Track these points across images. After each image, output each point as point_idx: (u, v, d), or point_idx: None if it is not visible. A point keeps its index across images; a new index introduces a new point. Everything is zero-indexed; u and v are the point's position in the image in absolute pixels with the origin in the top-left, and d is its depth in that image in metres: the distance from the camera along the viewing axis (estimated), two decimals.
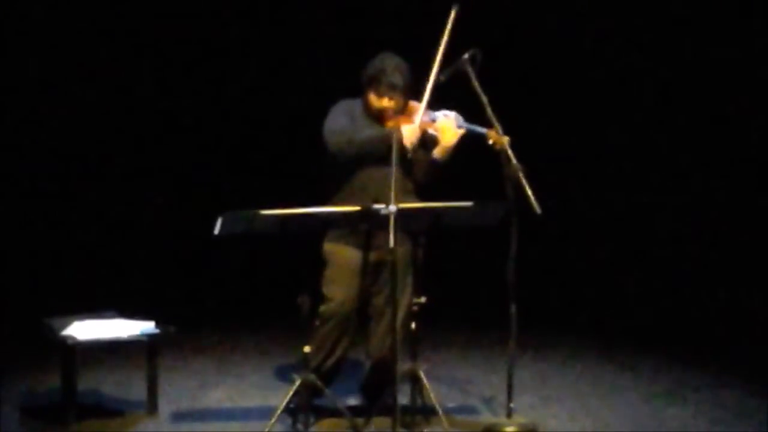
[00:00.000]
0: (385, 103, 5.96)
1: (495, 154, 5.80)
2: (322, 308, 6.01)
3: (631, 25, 8.92)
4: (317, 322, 5.99)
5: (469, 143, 5.95)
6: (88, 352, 6.36)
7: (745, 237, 8.74)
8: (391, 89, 5.93)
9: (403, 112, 5.97)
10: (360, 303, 6.10)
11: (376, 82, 5.95)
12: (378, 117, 5.98)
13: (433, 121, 5.94)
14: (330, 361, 6.08)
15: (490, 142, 5.83)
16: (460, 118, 5.97)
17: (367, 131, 5.92)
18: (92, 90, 8.90)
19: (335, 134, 5.92)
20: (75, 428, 6.04)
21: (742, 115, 8.76)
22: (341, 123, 5.96)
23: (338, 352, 6.09)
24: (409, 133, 5.84)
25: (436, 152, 5.97)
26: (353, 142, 5.89)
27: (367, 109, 6.02)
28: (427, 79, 5.83)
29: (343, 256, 6.04)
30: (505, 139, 5.80)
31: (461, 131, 5.93)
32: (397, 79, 5.92)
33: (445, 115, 5.96)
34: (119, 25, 8.87)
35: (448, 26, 5.79)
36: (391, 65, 5.95)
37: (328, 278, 6.06)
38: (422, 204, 5.89)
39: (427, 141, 5.96)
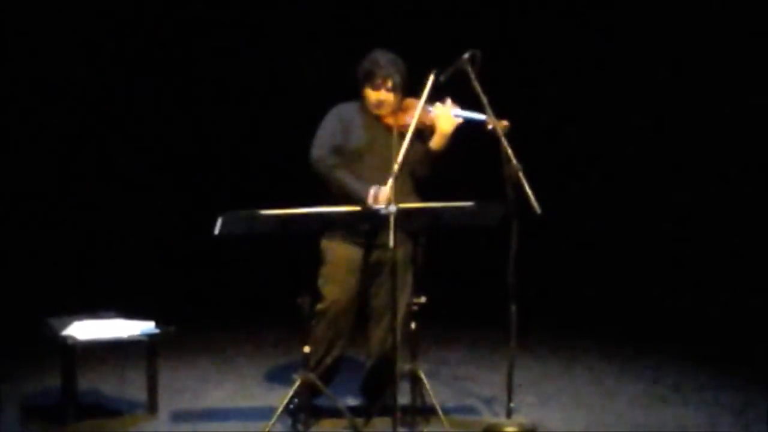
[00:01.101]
0: (382, 95, 5.96)
1: (494, 153, 5.79)
2: (318, 306, 6.01)
3: (631, 25, 8.92)
4: (314, 320, 5.99)
5: (469, 141, 5.94)
6: (88, 352, 6.36)
7: (745, 237, 8.75)
8: (386, 81, 5.93)
9: (401, 108, 5.97)
10: (359, 302, 6.10)
11: (371, 76, 5.96)
12: (376, 114, 5.99)
13: (429, 111, 5.94)
14: (327, 360, 6.08)
15: (490, 127, 5.83)
16: (457, 108, 5.97)
17: (347, 178, 5.91)
18: (92, 90, 8.91)
19: (319, 154, 5.96)
20: (75, 428, 6.04)
21: (743, 114, 8.76)
22: (331, 140, 5.97)
23: (335, 351, 6.09)
24: (379, 194, 5.79)
25: (433, 142, 5.96)
26: (331, 175, 5.93)
27: (365, 105, 6.02)
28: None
29: (340, 254, 6.04)
30: (504, 123, 5.80)
31: (458, 120, 5.93)
32: (392, 71, 5.93)
33: (443, 104, 5.96)
34: (120, 24, 8.87)
35: (426, 90, 5.77)
36: (385, 59, 5.97)
37: (325, 275, 6.06)
38: (422, 204, 5.89)
39: (424, 131, 5.96)
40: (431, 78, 5.77)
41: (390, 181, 5.65)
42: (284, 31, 9.06)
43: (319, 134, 6.02)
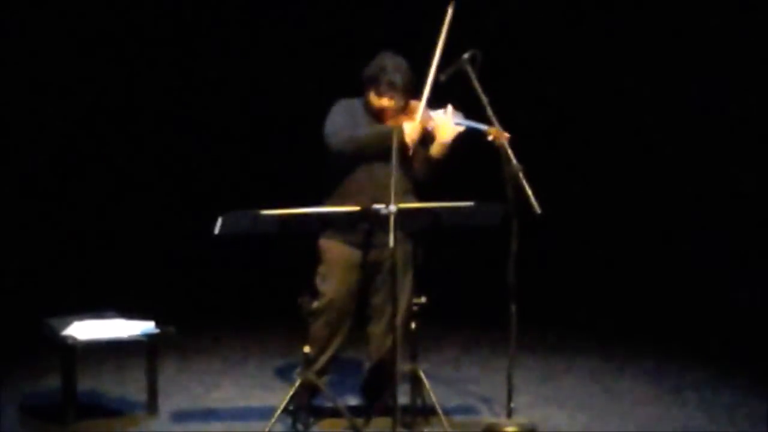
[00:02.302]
0: (385, 102, 5.96)
1: (495, 154, 5.80)
2: (315, 304, 5.99)
3: (632, 24, 8.92)
4: (310, 319, 5.98)
5: (469, 141, 5.95)
6: (88, 352, 6.36)
7: (745, 237, 8.75)
8: (391, 88, 5.93)
9: (404, 111, 5.98)
10: (357, 302, 6.10)
11: (376, 82, 5.95)
12: (378, 116, 5.99)
13: (431, 117, 5.95)
14: (323, 359, 6.08)
15: (491, 138, 5.83)
16: (460, 115, 5.97)
17: (368, 128, 5.92)
18: (92, 90, 8.91)
19: (335, 133, 5.93)
20: (75, 428, 6.04)
21: (742, 114, 8.76)
22: (341, 122, 5.97)
23: (331, 350, 6.09)
24: (410, 129, 5.85)
25: (433, 149, 5.97)
26: (354, 139, 5.90)
27: (368, 108, 6.02)
28: (426, 79, 5.83)
29: (337, 253, 6.04)
30: (506, 136, 5.80)
31: (459, 128, 5.93)
32: (397, 78, 5.92)
33: (444, 112, 5.96)
34: (120, 24, 8.87)
35: (445, 25, 5.79)
36: (392, 64, 5.95)
37: (322, 274, 6.06)
38: (422, 204, 5.89)
39: (425, 137, 5.96)
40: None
41: (417, 118, 5.69)
42: (285, 30, 9.05)
43: (330, 121, 5.97)
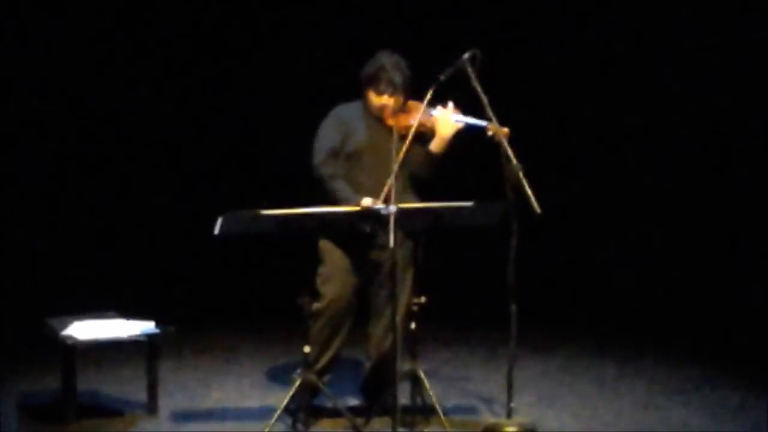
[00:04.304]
0: (385, 100, 5.97)
1: (495, 153, 5.80)
2: (316, 305, 5.99)
3: (633, 25, 8.92)
4: (310, 320, 5.97)
5: (469, 138, 5.95)
6: (88, 352, 6.37)
7: (745, 236, 8.74)
8: (390, 86, 5.94)
9: (403, 109, 5.98)
10: (358, 302, 6.10)
11: (375, 80, 5.96)
12: (378, 115, 5.99)
13: (431, 115, 5.95)
14: (324, 359, 6.08)
15: (490, 133, 5.84)
16: (459, 113, 5.97)
17: (341, 187, 5.91)
18: (92, 90, 8.90)
19: (320, 160, 5.96)
20: (75, 428, 6.04)
21: (742, 113, 8.76)
22: (330, 144, 5.98)
23: (331, 351, 6.09)
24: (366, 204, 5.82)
25: (433, 145, 5.97)
26: (325, 184, 5.94)
27: (368, 108, 6.02)
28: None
29: (338, 254, 6.04)
30: (505, 131, 5.81)
31: (459, 124, 5.94)
32: (397, 76, 5.93)
33: (444, 107, 5.97)
34: (119, 24, 8.87)
35: (428, 94, 5.78)
36: (391, 63, 5.96)
37: (323, 275, 6.07)
38: (422, 204, 5.90)
39: (425, 134, 5.96)
40: (435, 82, 5.78)
41: (387, 187, 5.67)
42: (285, 30, 9.05)
43: (319, 139, 6.02)
